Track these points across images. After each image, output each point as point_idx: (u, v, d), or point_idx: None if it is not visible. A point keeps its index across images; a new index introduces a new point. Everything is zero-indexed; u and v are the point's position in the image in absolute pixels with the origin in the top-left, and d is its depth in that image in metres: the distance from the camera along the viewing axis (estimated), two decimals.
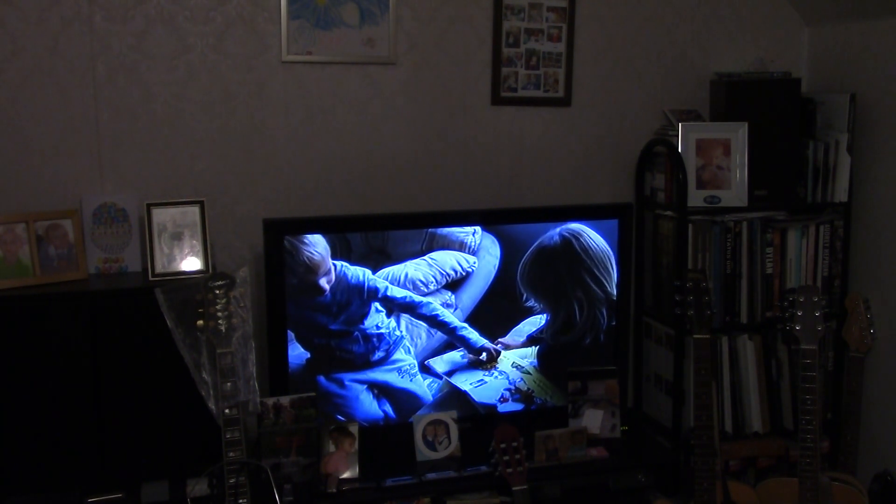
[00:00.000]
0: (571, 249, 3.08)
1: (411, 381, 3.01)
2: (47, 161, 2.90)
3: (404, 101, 3.20)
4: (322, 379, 2.94)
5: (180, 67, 2.97)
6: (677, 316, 2.94)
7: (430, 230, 2.93)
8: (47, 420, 2.63)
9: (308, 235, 2.84)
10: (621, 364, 3.21)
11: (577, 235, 3.06)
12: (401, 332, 2.97)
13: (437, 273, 2.96)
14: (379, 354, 2.98)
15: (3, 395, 2.60)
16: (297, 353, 2.89)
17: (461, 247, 2.98)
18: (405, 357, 3.00)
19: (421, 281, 2.95)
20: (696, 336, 2.77)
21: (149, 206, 2.84)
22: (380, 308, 2.93)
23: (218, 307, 2.53)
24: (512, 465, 2.68)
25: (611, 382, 3.13)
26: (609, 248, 3.11)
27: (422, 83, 3.21)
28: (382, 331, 2.96)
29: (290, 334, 2.88)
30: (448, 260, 2.97)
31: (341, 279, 2.89)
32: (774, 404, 3.27)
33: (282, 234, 2.82)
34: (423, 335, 3.00)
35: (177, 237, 2.86)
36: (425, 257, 2.96)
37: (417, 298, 2.96)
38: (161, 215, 2.85)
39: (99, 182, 2.95)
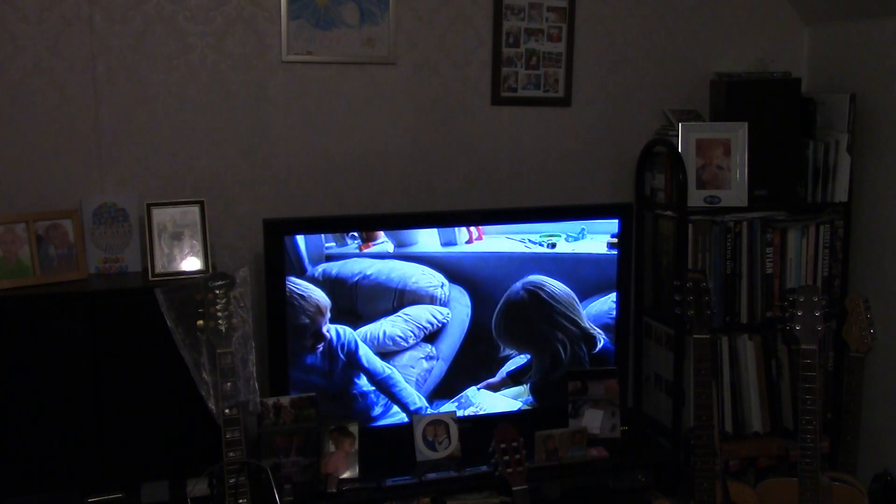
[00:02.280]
0: (540, 300, 3.11)
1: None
2: (47, 161, 2.90)
3: (404, 101, 3.20)
4: None
5: (180, 67, 2.97)
6: (677, 316, 2.93)
7: (398, 287, 2.95)
8: (47, 420, 2.63)
9: (307, 287, 2.87)
10: (621, 364, 3.21)
11: (540, 286, 3.10)
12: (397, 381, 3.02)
13: (415, 327, 2.99)
14: (377, 410, 3.01)
15: (3, 395, 2.59)
16: None
17: (432, 300, 3.00)
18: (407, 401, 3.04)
19: (400, 336, 2.97)
20: (696, 336, 2.77)
21: (149, 206, 2.84)
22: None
23: (218, 307, 2.53)
24: (512, 465, 2.68)
25: (611, 382, 3.13)
26: (572, 293, 3.13)
27: (422, 83, 3.21)
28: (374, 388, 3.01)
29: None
30: (422, 314, 3.00)
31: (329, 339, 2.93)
32: (774, 404, 3.27)
33: (282, 234, 2.82)
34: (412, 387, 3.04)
35: (177, 237, 2.86)
36: (399, 313, 2.97)
37: (385, 371, 2.98)
38: (161, 215, 2.85)
39: (99, 182, 2.95)
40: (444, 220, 3.01)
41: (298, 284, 2.87)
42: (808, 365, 2.65)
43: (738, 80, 3.23)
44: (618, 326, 3.20)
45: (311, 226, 2.89)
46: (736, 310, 3.22)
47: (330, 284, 2.90)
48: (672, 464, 3.09)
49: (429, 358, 3.02)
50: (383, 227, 2.93)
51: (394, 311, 2.97)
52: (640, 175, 3.35)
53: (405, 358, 3.00)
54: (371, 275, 2.94)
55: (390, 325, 2.97)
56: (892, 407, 3.19)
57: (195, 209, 2.88)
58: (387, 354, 2.98)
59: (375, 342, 2.96)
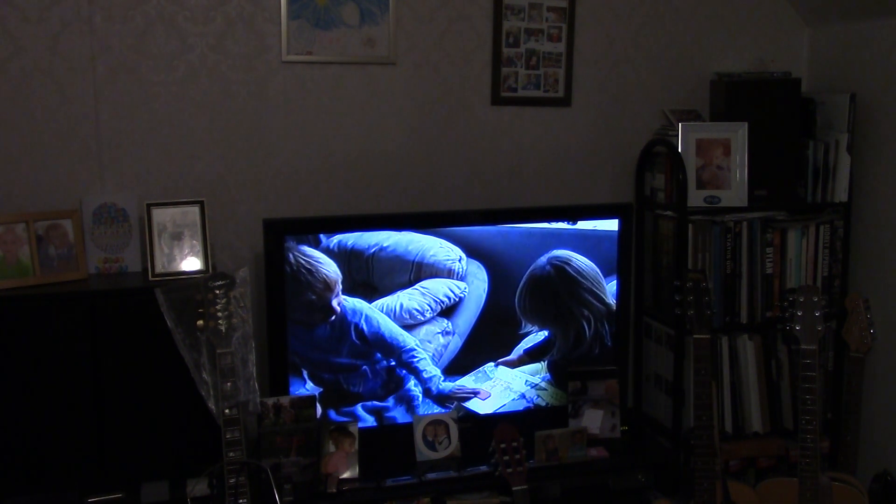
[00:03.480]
0: (566, 275, 3.10)
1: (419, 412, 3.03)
2: (47, 161, 2.90)
3: (404, 101, 3.20)
4: (332, 413, 2.96)
5: (180, 67, 2.97)
6: (677, 316, 2.94)
7: (415, 260, 2.94)
8: (47, 420, 2.63)
9: (320, 255, 2.86)
10: (621, 364, 3.21)
11: (566, 261, 3.09)
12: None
13: (432, 301, 2.97)
14: (391, 386, 3.01)
15: (4, 395, 2.60)
16: (309, 387, 2.93)
17: (449, 274, 2.99)
18: (415, 389, 3.03)
19: (417, 310, 2.96)
20: (696, 336, 2.78)
21: (149, 206, 2.84)
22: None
23: (218, 307, 2.53)
24: (512, 465, 2.68)
25: (611, 382, 3.13)
26: (597, 268, 3.13)
27: (422, 83, 3.21)
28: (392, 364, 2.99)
29: (304, 372, 2.92)
30: (440, 288, 2.98)
31: (342, 312, 2.91)
32: (774, 404, 3.27)
33: (282, 234, 2.82)
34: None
35: (177, 237, 2.86)
36: (417, 286, 2.96)
37: (401, 340, 2.96)
38: (161, 215, 2.85)
39: (99, 182, 2.95)
40: (444, 220, 3.01)
41: (310, 256, 2.85)
42: (808, 365, 2.65)
43: (738, 80, 3.23)
44: (618, 326, 3.20)
45: (312, 226, 2.89)
46: (736, 310, 3.22)
47: (346, 256, 2.89)
48: (672, 464, 3.09)
49: (445, 333, 3.01)
50: (383, 228, 2.93)
51: (410, 284, 2.96)
52: (640, 175, 3.35)
53: (422, 332, 2.99)
54: (388, 247, 2.92)
55: (407, 299, 2.95)
56: (892, 407, 3.19)
57: (195, 209, 2.88)
58: (404, 328, 2.97)
59: (392, 315, 2.95)
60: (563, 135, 3.39)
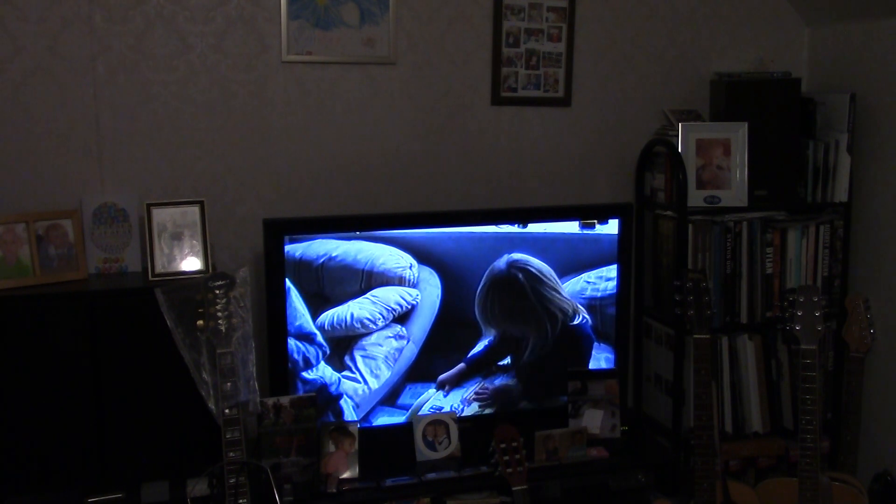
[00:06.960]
0: (531, 275, 3.07)
1: None
2: (47, 161, 2.90)
3: (404, 101, 3.20)
4: None
5: (180, 67, 2.97)
6: (677, 316, 2.94)
7: (365, 268, 2.91)
8: (47, 420, 2.63)
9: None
10: (621, 364, 3.21)
11: (525, 264, 3.06)
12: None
13: (383, 309, 2.95)
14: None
15: (4, 395, 2.60)
16: None
17: (400, 281, 2.96)
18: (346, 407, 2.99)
19: (368, 319, 2.93)
20: (696, 336, 2.78)
21: (149, 206, 2.84)
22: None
23: (218, 307, 2.53)
24: (512, 465, 2.68)
25: (611, 382, 3.13)
26: (551, 269, 3.09)
27: (422, 83, 3.21)
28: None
29: None
30: (391, 296, 2.96)
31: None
32: (774, 404, 3.27)
33: (282, 234, 2.82)
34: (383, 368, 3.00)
35: (177, 237, 2.86)
36: (367, 295, 2.94)
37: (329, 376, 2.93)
38: (161, 215, 2.85)
39: (99, 182, 2.95)
40: (444, 220, 3.00)
41: None
42: (808, 365, 2.65)
43: (738, 80, 3.23)
44: (618, 327, 3.20)
45: (311, 226, 2.89)
46: (736, 310, 3.22)
47: (294, 267, 2.86)
48: (672, 464, 3.09)
49: (398, 337, 2.98)
50: (383, 227, 2.93)
51: (361, 293, 2.93)
52: (640, 175, 3.35)
53: (373, 337, 2.96)
54: (337, 256, 2.89)
55: (357, 308, 2.92)
56: (892, 407, 3.19)
57: (195, 209, 2.88)
58: (354, 337, 2.94)
59: (343, 325, 2.92)
60: (563, 135, 3.39)
